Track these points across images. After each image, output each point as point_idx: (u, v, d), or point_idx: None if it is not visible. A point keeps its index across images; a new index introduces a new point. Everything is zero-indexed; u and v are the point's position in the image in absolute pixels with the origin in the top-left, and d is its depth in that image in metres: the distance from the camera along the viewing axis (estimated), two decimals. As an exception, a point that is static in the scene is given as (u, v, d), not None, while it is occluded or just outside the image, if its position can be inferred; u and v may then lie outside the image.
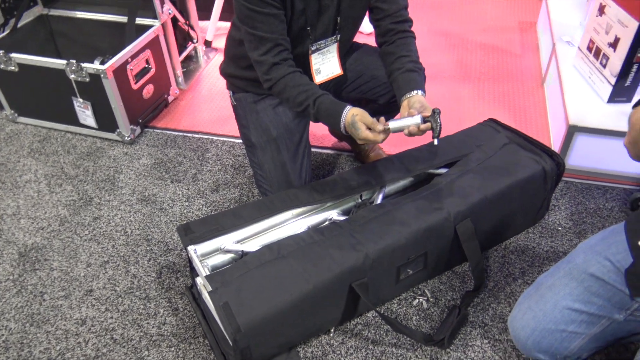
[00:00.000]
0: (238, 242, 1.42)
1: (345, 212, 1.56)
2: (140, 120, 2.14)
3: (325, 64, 1.61)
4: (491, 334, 1.40)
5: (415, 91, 1.43)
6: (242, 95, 1.71)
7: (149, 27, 2.15)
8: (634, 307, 1.18)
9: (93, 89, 1.97)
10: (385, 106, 1.71)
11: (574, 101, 1.88)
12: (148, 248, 1.68)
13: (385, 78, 1.61)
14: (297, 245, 1.34)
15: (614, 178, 1.86)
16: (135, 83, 2.08)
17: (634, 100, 1.67)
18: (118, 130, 2.08)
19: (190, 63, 2.62)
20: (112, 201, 1.86)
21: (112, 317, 1.47)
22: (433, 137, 1.32)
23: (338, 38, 1.58)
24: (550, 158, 1.58)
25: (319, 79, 1.60)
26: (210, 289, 1.23)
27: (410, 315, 1.45)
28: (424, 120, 1.30)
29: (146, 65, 2.13)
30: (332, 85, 1.69)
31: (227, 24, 2.86)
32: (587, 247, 1.28)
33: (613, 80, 1.81)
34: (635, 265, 1.15)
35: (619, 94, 1.84)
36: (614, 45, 1.79)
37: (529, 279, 1.53)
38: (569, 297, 1.23)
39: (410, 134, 1.33)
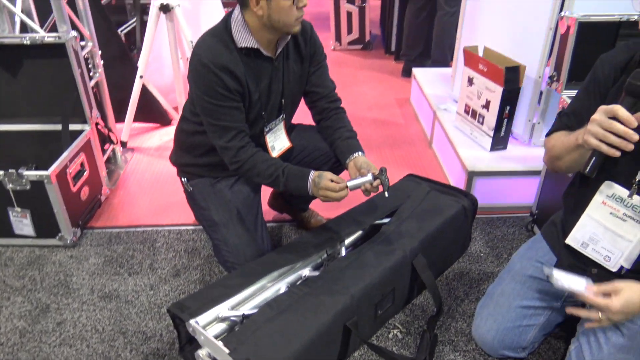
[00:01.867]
0: (233, 308, 1.53)
1: (315, 268, 1.75)
2: (80, 223, 2.15)
3: (277, 141, 1.85)
4: (459, 347, 1.65)
5: (356, 153, 1.74)
6: (199, 181, 1.87)
7: (79, 132, 2.22)
8: (564, 296, 1.53)
9: (33, 196, 1.97)
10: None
11: (466, 153, 2.33)
12: (126, 340, 1.69)
13: (326, 148, 1.89)
14: (292, 299, 1.50)
15: (508, 209, 2.30)
16: (74, 186, 2.11)
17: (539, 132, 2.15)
18: (60, 234, 2.07)
19: (109, 165, 2.68)
20: (71, 304, 1.83)
21: (112, 412, 1.45)
22: (384, 191, 1.61)
23: (283, 117, 1.84)
24: (466, 197, 1.95)
25: (275, 154, 1.83)
26: (228, 350, 1.33)
27: (390, 346, 1.65)
28: (374, 177, 1.60)
29: (81, 168, 2.18)
30: (281, 159, 1.93)
31: (141, 125, 3.00)
32: (519, 256, 1.63)
33: (491, 134, 2.29)
34: (560, 261, 1.51)
35: (497, 143, 2.32)
36: (486, 106, 2.29)
37: (473, 297, 1.84)
38: (518, 298, 1.55)
39: (366, 191, 1.61)
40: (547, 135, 1.48)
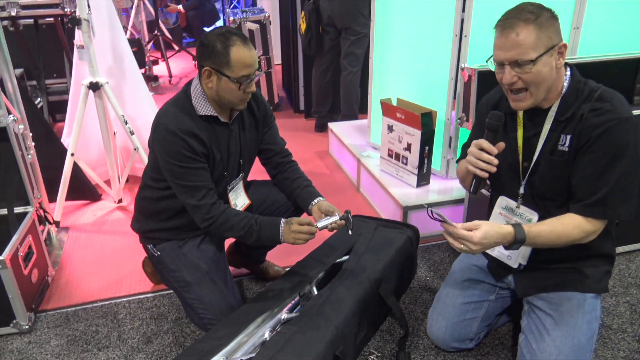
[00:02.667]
0: (227, 358, 1.60)
1: (291, 310, 1.86)
2: (33, 306, 2.08)
3: (239, 198, 1.98)
4: (427, 358, 1.84)
5: (317, 198, 1.92)
6: (165, 245, 1.94)
7: (22, 214, 2.18)
8: (497, 289, 1.83)
9: (-15, 285, 1.89)
10: None
11: (397, 191, 2.61)
12: (114, 413, 1.66)
13: (284, 199, 2.06)
14: (284, 339, 1.61)
15: (438, 237, 2.59)
16: (25, 269, 2.05)
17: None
18: (14, 321, 1.98)
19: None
20: (43, 389, 1.76)
21: None
22: (348, 230, 1.81)
23: (242, 176, 1.99)
24: (408, 228, 2.20)
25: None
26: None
27: (371, 371, 1.80)
28: (340, 218, 1.79)
29: (29, 250, 2.12)
30: None
31: (74, 203, 2.95)
32: (459, 262, 1.94)
33: (416, 171, 2.60)
34: (490, 264, 1.81)
35: (422, 179, 2.64)
36: (408, 148, 2.61)
37: (431, 315, 2.06)
38: (460, 297, 1.82)
39: (332, 229, 1.80)
40: (457, 162, 1.82)
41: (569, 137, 1.50)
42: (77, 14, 2.52)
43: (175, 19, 7.40)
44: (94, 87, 2.64)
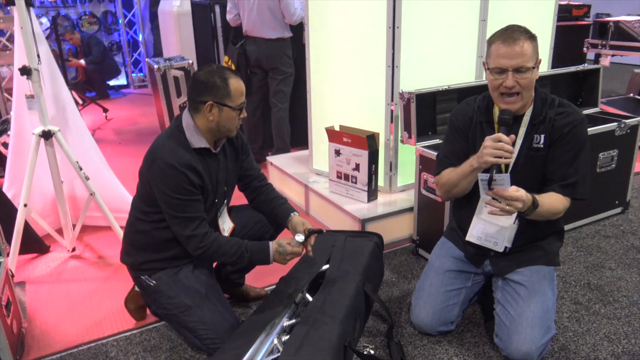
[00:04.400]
0: (250, 364, 1.72)
1: (289, 318, 2.01)
2: (18, 358, 2.02)
3: (225, 223, 2.13)
4: (415, 344, 2.09)
5: (292, 214, 2.13)
6: (161, 274, 2.02)
7: (-6, 265, 2.12)
8: (472, 276, 2.13)
9: (-27, 338, 1.83)
10: (270, 239, 2.32)
11: (351, 207, 2.87)
12: None
13: (265, 220, 2.23)
14: (300, 337, 1.76)
15: (394, 243, 2.88)
16: (8, 318, 2.00)
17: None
18: (3, 374, 1.92)
19: (2, 303, 2.50)
20: None
21: None
22: (307, 252, 2.05)
23: (226, 202, 2.14)
24: (374, 236, 2.46)
25: (225, 234, 2.10)
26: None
27: (369, 361, 2.00)
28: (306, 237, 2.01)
29: (8, 301, 2.07)
30: None
31: (20, 258, 2.84)
32: (436, 255, 2.20)
33: (366, 188, 2.89)
34: (466, 255, 2.11)
35: (371, 195, 2.93)
36: (357, 168, 2.90)
37: (405, 309, 2.30)
38: (443, 285, 2.09)
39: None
40: (437, 175, 2.10)
41: (542, 136, 1.89)
42: (27, 64, 2.54)
43: (74, 73, 7.25)
44: (47, 135, 2.63)
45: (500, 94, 1.86)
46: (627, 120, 2.97)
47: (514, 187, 1.78)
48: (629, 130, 2.98)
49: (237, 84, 1.87)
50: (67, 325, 2.31)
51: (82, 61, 6.92)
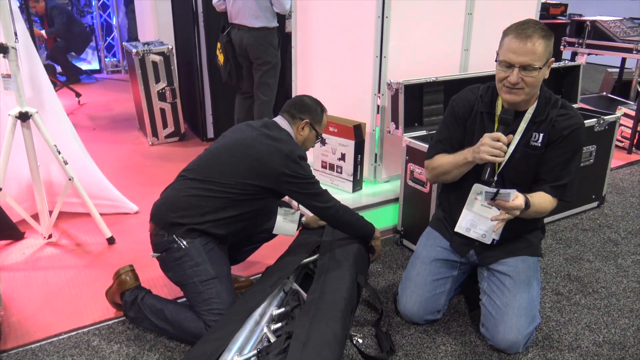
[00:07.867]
0: (241, 354, 1.69)
1: (278, 306, 1.99)
2: (-5, 346, 1.95)
3: None
4: (402, 333, 2.10)
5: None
6: (196, 240, 2.01)
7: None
8: (458, 265, 2.15)
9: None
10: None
11: (336, 197, 2.85)
12: None
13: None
14: (306, 329, 1.71)
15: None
16: (-15, 306, 1.92)
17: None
18: (-20, 363, 1.85)
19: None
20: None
21: None
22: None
23: None
24: (361, 225, 2.46)
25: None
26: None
27: (357, 352, 2.00)
28: None
29: (-16, 288, 1.99)
30: None
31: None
32: (422, 245, 2.21)
33: (351, 179, 2.89)
34: (452, 244, 2.12)
35: (356, 185, 2.93)
36: (342, 158, 2.89)
37: (390, 297, 2.31)
38: (430, 275, 2.11)
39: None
40: (428, 158, 2.10)
41: (541, 135, 1.89)
42: (4, 41, 2.43)
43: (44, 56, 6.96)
44: (24, 117, 2.54)
45: (504, 86, 1.85)
46: (606, 117, 3.05)
47: (512, 195, 1.79)
48: (607, 127, 3.06)
49: (326, 121, 2.29)
50: (45, 314, 2.24)
51: (43, 32, 6.58)
